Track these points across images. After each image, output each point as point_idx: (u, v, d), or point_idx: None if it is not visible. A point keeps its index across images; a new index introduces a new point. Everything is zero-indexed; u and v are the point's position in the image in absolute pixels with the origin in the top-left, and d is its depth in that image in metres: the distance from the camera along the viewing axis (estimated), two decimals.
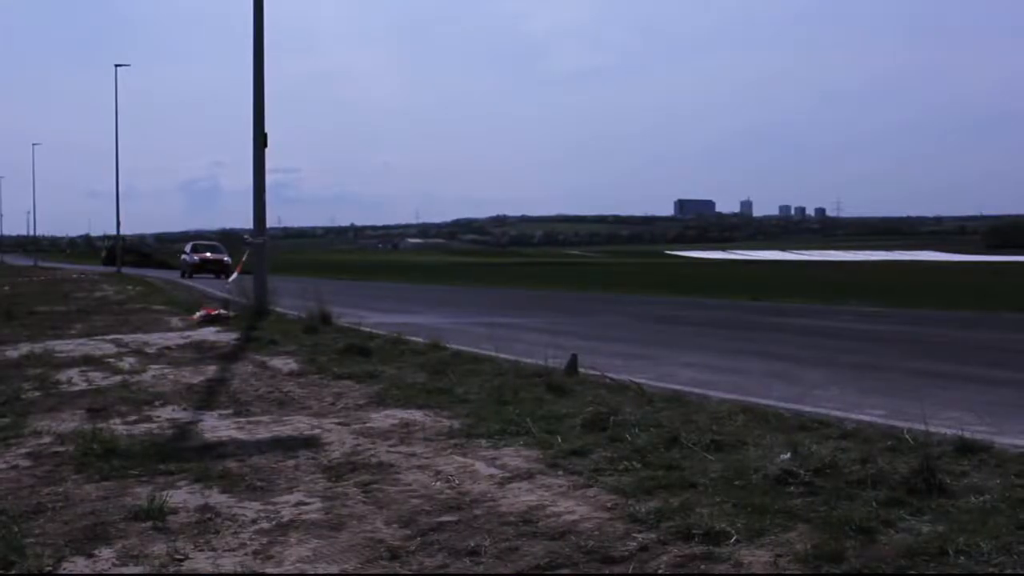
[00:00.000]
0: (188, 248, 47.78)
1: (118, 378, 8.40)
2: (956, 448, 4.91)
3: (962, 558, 3.32)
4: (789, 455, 4.68)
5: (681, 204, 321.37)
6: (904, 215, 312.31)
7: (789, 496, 4.13)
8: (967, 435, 5.08)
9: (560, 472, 4.79)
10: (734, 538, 3.62)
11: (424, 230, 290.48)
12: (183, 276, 42.34)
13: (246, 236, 16.97)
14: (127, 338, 12.07)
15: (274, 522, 4.09)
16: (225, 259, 42.70)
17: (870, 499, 4.03)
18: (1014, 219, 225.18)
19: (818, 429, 5.60)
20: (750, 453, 4.91)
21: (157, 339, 11.90)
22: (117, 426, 6.19)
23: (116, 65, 51.20)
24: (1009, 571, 3.20)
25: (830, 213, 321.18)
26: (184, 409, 6.92)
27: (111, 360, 9.69)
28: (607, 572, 3.41)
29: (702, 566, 3.39)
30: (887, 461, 4.59)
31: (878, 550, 3.43)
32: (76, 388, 7.87)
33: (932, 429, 5.24)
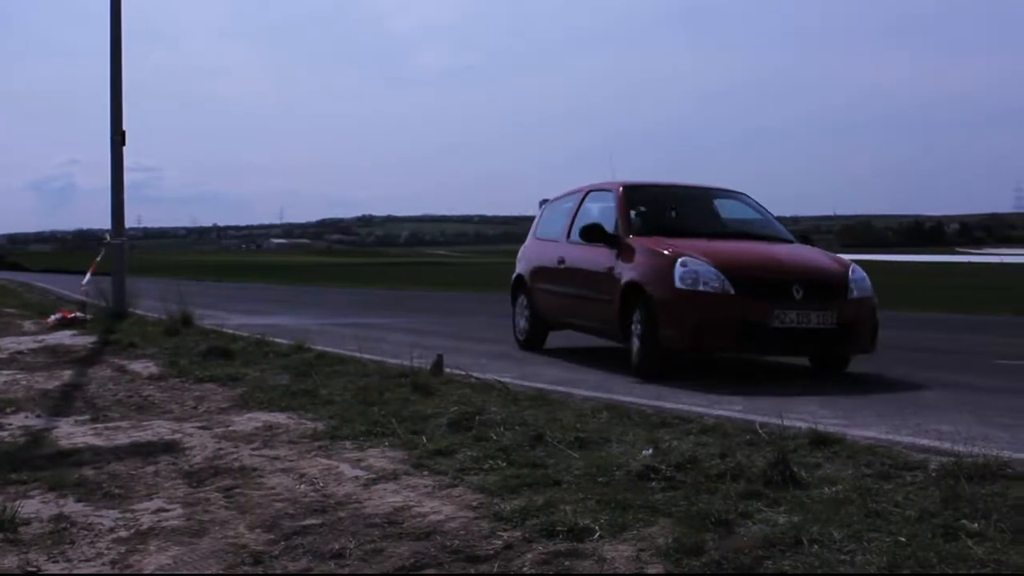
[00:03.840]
0: (579, 217, 10.60)
1: None
2: (810, 441, 5.06)
3: (816, 547, 3.42)
4: (651, 451, 4.77)
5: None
6: None
7: (651, 491, 4.20)
8: (820, 428, 5.24)
9: (425, 472, 4.79)
10: (598, 534, 3.67)
11: (289, 230, 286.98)
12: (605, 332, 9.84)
13: (104, 237, 16.47)
14: None
15: (133, 530, 4.00)
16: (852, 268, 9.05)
17: (729, 492, 4.12)
18: (866, 219, 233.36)
19: (679, 425, 5.70)
20: (613, 450, 4.98)
21: (9, 343, 11.50)
22: None
23: None
24: (860, 558, 3.32)
25: None
26: (38, 416, 6.71)
27: None
28: (472, 571, 3.42)
29: (566, 563, 3.43)
30: (745, 455, 4.70)
31: (736, 541, 3.51)
32: None
33: (787, 423, 5.40)
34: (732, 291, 8.22)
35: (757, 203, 10.67)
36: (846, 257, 9.03)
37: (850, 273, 8.75)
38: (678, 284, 8.29)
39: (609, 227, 9.69)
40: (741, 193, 10.85)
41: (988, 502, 3.84)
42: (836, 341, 8.50)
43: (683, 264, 8.38)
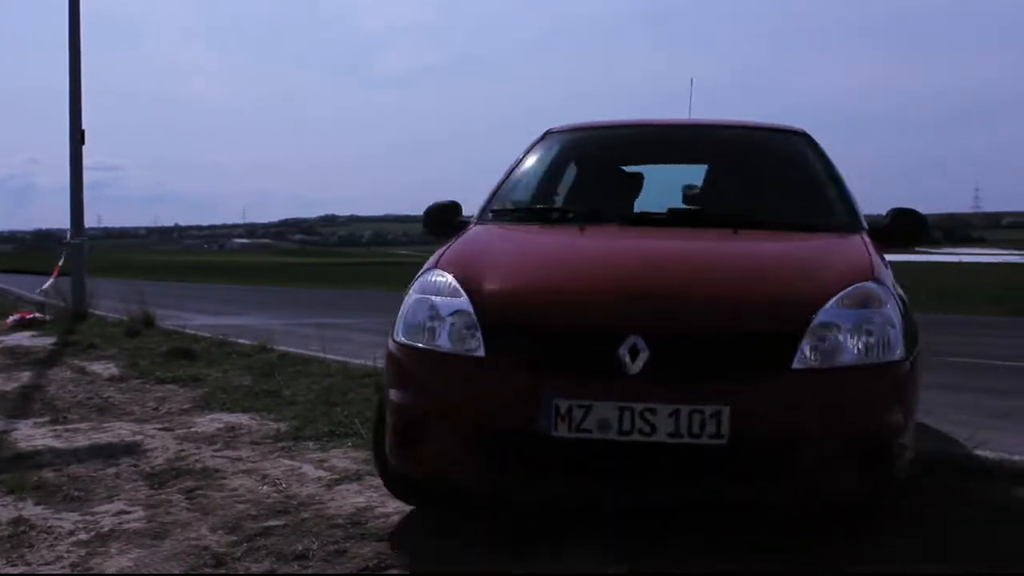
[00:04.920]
0: None
1: None
2: None
3: None
4: None
5: None
6: None
7: None
8: None
9: None
10: None
11: (251, 230, 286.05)
12: None
13: (64, 237, 16.25)
14: None
15: (93, 533, 3.97)
16: None
17: None
18: None
19: None
20: None
21: None
22: None
23: None
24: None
25: None
26: None
27: None
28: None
29: None
30: None
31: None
32: None
33: None
34: (483, 351, 3.49)
35: (810, 151, 5.09)
36: (885, 267, 4.18)
37: (829, 303, 3.45)
38: (400, 333, 3.79)
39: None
40: (797, 133, 5.30)
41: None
42: (736, 478, 3.28)
43: (420, 288, 3.89)
